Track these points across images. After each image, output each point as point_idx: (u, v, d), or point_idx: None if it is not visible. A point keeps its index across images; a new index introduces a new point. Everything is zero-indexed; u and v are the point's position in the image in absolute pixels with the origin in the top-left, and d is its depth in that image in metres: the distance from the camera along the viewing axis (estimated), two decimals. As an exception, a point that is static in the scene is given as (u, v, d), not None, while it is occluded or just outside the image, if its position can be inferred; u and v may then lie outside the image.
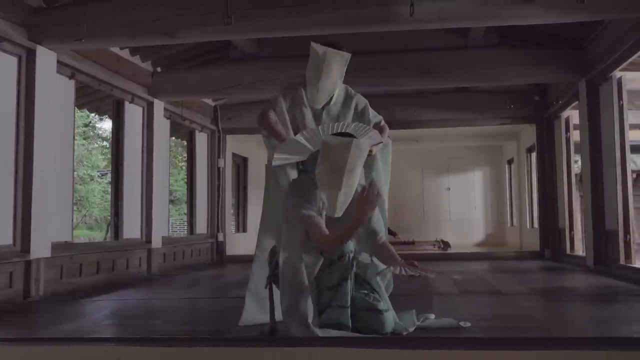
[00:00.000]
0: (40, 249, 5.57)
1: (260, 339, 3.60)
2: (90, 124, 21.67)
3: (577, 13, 5.13)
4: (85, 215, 21.87)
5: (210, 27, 5.42)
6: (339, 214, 3.13)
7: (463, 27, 6.94)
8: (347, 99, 3.93)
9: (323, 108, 3.87)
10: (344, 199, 3.10)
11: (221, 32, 5.45)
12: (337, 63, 3.81)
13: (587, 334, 3.55)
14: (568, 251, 8.86)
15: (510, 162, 13.58)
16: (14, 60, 5.49)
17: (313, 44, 3.83)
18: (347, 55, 3.82)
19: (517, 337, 3.32)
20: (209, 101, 10.02)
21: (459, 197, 14.37)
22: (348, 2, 5.28)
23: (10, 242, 5.38)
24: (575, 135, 8.46)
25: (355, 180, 3.08)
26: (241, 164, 12.27)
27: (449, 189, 14.45)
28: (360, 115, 3.88)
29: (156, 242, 7.86)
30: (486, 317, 3.95)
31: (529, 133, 10.69)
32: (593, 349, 2.63)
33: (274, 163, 3.59)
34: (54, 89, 5.87)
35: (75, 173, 19.24)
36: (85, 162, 20.91)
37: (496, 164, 14.39)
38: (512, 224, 13.41)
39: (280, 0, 5.36)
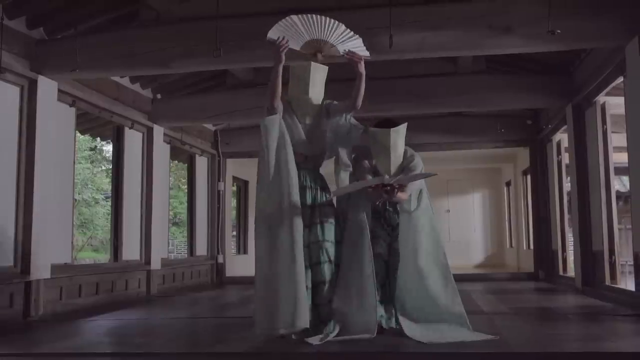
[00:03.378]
0: (40, 270, 5.77)
1: (251, 353, 3.78)
2: (97, 148, 21.95)
3: (553, 43, 5.33)
4: (90, 237, 22.10)
5: (202, 58, 5.68)
6: (392, 174, 4.26)
7: (445, 56, 7.15)
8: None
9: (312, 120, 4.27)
10: (395, 167, 4.35)
11: (214, 62, 5.69)
12: (319, 74, 4.25)
13: (544, 350, 3.68)
14: (561, 272, 8.96)
15: (508, 184, 13.70)
16: (16, 90, 5.74)
17: (292, 65, 4.19)
18: (326, 68, 4.28)
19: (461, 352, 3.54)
20: (209, 126, 10.25)
21: (458, 219, 14.47)
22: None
23: (11, 263, 5.59)
24: (567, 158, 8.63)
25: (399, 151, 4.35)
26: (242, 187, 12.48)
27: (448, 211, 14.55)
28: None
29: (155, 263, 8.04)
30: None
31: (524, 156, 10.78)
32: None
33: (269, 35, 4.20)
34: (55, 116, 6.11)
35: (80, 196, 19.51)
36: (90, 186, 21.18)
37: (495, 186, 14.53)
38: (510, 246, 13.50)
39: (270, 31, 5.60)
